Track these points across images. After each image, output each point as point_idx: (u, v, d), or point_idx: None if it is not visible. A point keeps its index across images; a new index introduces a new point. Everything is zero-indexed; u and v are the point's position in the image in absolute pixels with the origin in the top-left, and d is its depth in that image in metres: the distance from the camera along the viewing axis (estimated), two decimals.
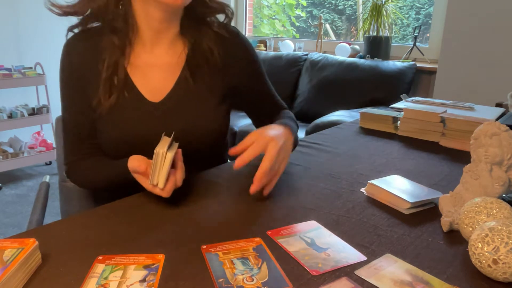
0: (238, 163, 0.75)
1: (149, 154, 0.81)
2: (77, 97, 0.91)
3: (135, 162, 0.77)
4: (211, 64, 0.95)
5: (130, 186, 0.81)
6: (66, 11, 0.89)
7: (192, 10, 0.91)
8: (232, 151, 0.78)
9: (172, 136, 0.75)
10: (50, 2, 0.88)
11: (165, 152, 0.71)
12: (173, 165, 0.73)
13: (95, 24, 0.92)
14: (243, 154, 0.76)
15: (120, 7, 0.89)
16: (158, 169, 0.71)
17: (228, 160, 1.07)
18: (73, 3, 0.89)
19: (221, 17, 0.99)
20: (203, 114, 0.93)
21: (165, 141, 0.74)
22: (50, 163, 3.36)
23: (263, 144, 0.77)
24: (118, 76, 0.89)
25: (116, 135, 0.90)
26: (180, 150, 0.76)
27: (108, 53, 0.88)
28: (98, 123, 0.91)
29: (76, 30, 0.93)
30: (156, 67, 0.93)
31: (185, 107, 0.92)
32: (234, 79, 0.98)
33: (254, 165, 0.99)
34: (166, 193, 0.73)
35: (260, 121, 1.09)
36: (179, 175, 0.74)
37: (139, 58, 0.92)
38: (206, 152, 0.94)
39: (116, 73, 0.89)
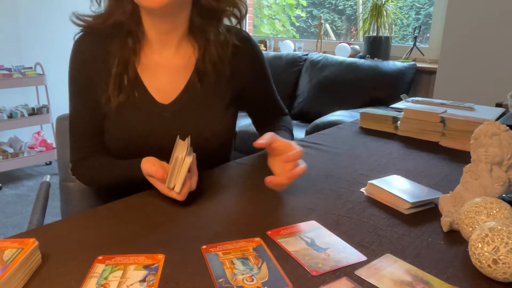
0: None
1: (156, 155, 0.82)
2: (85, 94, 0.91)
3: (152, 167, 0.77)
4: (220, 71, 0.95)
5: (137, 186, 0.82)
6: (89, 24, 0.90)
7: (200, 7, 0.90)
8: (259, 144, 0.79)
9: (188, 140, 0.76)
10: (75, 15, 0.89)
11: (184, 157, 0.72)
12: (188, 169, 0.75)
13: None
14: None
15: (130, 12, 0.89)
16: (176, 173, 0.73)
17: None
18: (95, 17, 0.89)
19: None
20: (211, 118, 0.94)
21: (182, 145, 0.76)
22: (50, 163, 3.36)
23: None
24: (129, 75, 0.89)
25: (124, 134, 0.90)
26: (195, 154, 0.78)
27: (119, 52, 0.89)
28: (106, 122, 0.91)
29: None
30: (165, 68, 0.93)
31: (193, 111, 0.92)
32: (242, 84, 0.99)
33: (253, 165, 0.99)
34: (182, 197, 0.74)
35: (259, 122, 1.13)
36: (194, 179, 0.76)
37: (148, 59, 0.92)
38: (212, 154, 0.95)
39: (127, 71, 0.89)
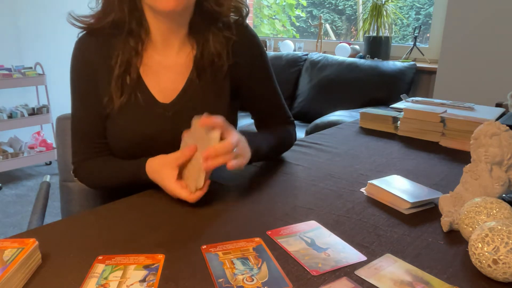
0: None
1: (159, 154, 0.82)
2: (88, 93, 0.91)
3: (177, 151, 0.79)
4: (218, 67, 0.94)
5: (141, 187, 0.82)
6: (87, 24, 0.90)
7: (202, 9, 0.90)
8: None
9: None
10: (72, 16, 0.89)
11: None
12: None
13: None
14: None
15: (129, 9, 0.88)
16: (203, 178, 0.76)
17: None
18: (93, 16, 0.89)
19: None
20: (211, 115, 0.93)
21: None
22: (50, 163, 3.36)
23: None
24: (131, 76, 0.89)
25: (127, 135, 0.89)
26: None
27: (121, 51, 0.88)
28: (109, 122, 0.91)
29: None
30: (167, 68, 0.92)
31: (194, 108, 0.92)
32: (241, 79, 0.97)
33: (253, 165, 0.99)
34: (194, 198, 0.76)
35: (259, 124, 1.08)
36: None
37: (151, 59, 0.92)
38: None
39: (129, 72, 0.89)
